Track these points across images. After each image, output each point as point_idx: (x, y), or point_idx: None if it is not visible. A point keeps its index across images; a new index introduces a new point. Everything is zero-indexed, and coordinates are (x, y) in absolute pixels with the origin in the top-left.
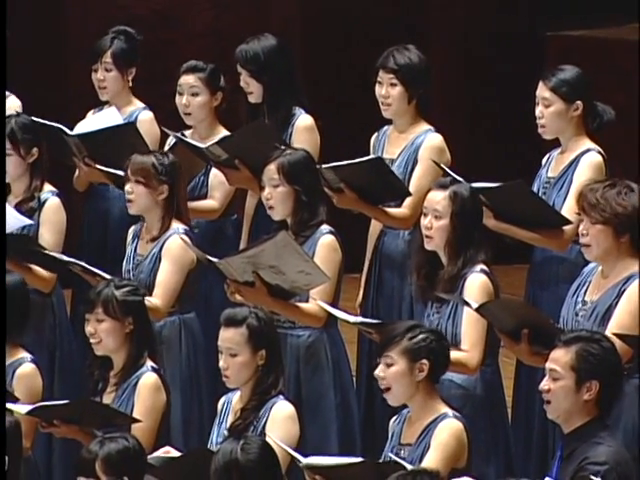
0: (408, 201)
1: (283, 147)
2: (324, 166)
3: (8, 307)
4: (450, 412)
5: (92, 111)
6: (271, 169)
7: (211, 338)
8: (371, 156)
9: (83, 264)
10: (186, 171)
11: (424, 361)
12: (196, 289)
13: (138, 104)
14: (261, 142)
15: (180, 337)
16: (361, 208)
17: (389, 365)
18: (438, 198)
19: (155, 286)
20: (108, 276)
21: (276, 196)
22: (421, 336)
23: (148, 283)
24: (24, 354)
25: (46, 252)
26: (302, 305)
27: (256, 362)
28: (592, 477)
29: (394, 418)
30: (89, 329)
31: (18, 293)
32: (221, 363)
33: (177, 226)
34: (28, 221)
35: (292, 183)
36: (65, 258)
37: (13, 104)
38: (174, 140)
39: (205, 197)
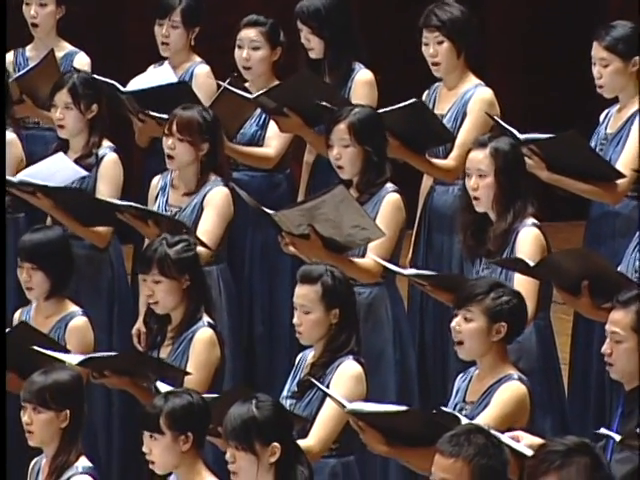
0: (454, 153)
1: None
2: None
3: (52, 261)
4: (516, 374)
5: (153, 66)
6: (341, 129)
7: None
8: (412, 100)
9: (136, 205)
10: (235, 121)
11: (503, 323)
12: (235, 243)
13: (195, 59)
14: (309, 91)
15: (219, 287)
16: (406, 156)
17: (468, 320)
18: (480, 157)
19: (198, 234)
20: (162, 212)
21: (346, 156)
22: (504, 298)
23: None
24: (74, 307)
25: (99, 199)
26: (356, 260)
27: (329, 320)
28: None
29: (460, 375)
30: (147, 291)
31: (60, 247)
32: (295, 319)
33: (217, 178)
34: (84, 172)
35: (362, 143)
36: (117, 202)
37: (82, 61)
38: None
39: None
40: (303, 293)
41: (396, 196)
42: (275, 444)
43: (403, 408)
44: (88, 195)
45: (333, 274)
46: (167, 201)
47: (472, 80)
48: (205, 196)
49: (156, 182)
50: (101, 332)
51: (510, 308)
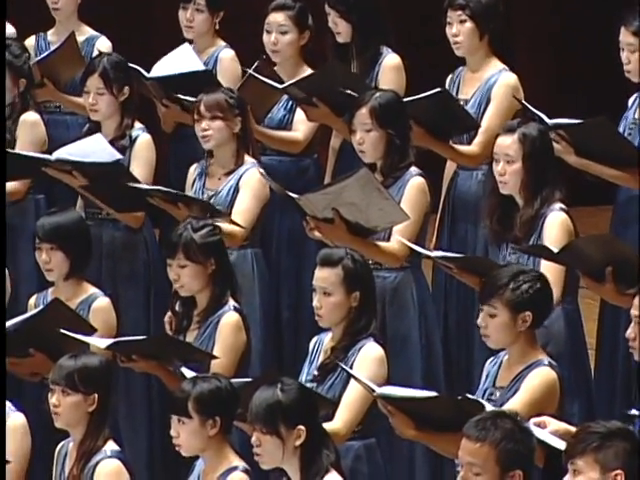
0: (478, 139)
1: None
2: None
3: (71, 241)
4: (546, 360)
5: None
6: (363, 113)
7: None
8: (436, 89)
9: (164, 189)
10: (261, 105)
11: (527, 312)
12: (265, 227)
13: (220, 43)
14: (338, 81)
15: (253, 270)
16: (430, 144)
17: (492, 315)
18: (508, 142)
19: (233, 215)
20: (191, 194)
21: (368, 140)
22: (525, 286)
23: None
24: (95, 289)
25: (129, 184)
26: (381, 243)
27: (349, 303)
28: None
29: (490, 359)
30: (172, 275)
31: (79, 228)
32: (315, 302)
33: (252, 160)
34: (119, 155)
35: (384, 127)
36: (146, 186)
37: (103, 45)
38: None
39: None
40: (324, 276)
41: (420, 180)
42: (300, 427)
43: (432, 394)
44: (124, 172)
45: (353, 257)
46: (204, 185)
47: (496, 65)
48: (241, 178)
49: (193, 169)
50: (137, 314)
51: (532, 295)
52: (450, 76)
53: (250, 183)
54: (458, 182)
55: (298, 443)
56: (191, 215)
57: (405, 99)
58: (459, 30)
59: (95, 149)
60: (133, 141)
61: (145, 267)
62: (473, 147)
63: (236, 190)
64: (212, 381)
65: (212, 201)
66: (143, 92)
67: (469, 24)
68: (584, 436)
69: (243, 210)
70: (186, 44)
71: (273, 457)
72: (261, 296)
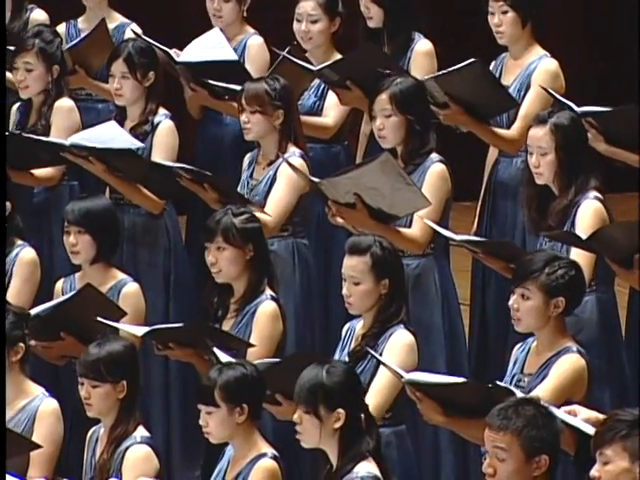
0: (517, 124)
1: (392, 74)
2: (426, 77)
3: (99, 226)
4: (575, 347)
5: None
6: (383, 99)
7: (321, 265)
8: (470, 60)
9: (191, 167)
10: (294, 90)
11: (561, 298)
12: (309, 215)
13: (249, 30)
14: (372, 64)
15: (294, 261)
16: (467, 124)
17: (525, 298)
18: (540, 134)
19: (267, 203)
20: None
21: (388, 126)
22: (560, 272)
23: (262, 205)
24: (123, 275)
25: (154, 162)
26: (403, 230)
27: (379, 291)
28: None
29: (518, 345)
30: (210, 259)
31: (108, 214)
32: (344, 290)
33: (293, 149)
34: (139, 143)
35: (404, 112)
36: (172, 164)
37: (130, 34)
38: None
39: None
40: (352, 264)
41: (441, 166)
42: (340, 410)
43: (461, 380)
44: (142, 159)
45: (382, 244)
46: (251, 175)
47: (538, 51)
48: (279, 167)
49: (248, 157)
50: (156, 300)
51: (566, 282)
52: (493, 63)
53: (286, 172)
54: (499, 169)
55: (337, 426)
56: (221, 198)
57: (438, 72)
58: (501, 20)
59: (112, 136)
60: (155, 127)
61: (165, 253)
62: (512, 131)
63: (274, 180)
64: (238, 368)
65: (251, 193)
66: (172, 73)
67: (511, 14)
68: (612, 424)
69: (276, 200)
70: (216, 29)
71: (311, 437)
72: (301, 287)
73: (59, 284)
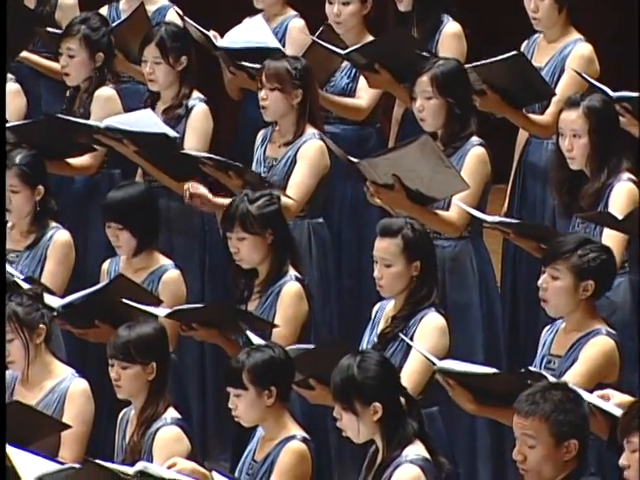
0: (551, 109)
1: (432, 57)
2: (465, 66)
3: (137, 219)
4: (604, 329)
5: (248, 18)
6: (424, 81)
7: (340, 244)
8: (513, 52)
9: (213, 156)
10: (323, 71)
11: (590, 281)
12: (327, 196)
13: (290, 12)
14: (401, 47)
15: (310, 241)
16: (504, 111)
17: (554, 278)
18: (573, 117)
19: (288, 187)
20: (240, 165)
21: (428, 108)
22: (592, 255)
23: (282, 186)
24: (166, 260)
25: (184, 152)
26: (440, 212)
27: (410, 273)
28: None
29: (547, 327)
30: (232, 249)
31: (144, 203)
32: (376, 273)
33: (312, 131)
34: (172, 132)
35: (445, 95)
36: (195, 153)
37: (174, 14)
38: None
39: None
40: (383, 246)
41: (481, 150)
42: (376, 404)
43: (493, 370)
44: (174, 144)
45: (413, 227)
46: (265, 152)
47: (573, 35)
48: (299, 149)
49: (260, 135)
50: (194, 283)
51: (597, 265)
52: (525, 42)
53: (308, 154)
54: (529, 151)
55: (375, 418)
56: (245, 185)
57: (480, 62)
58: (537, 6)
59: (147, 123)
60: (189, 110)
61: (200, 237)
62: (546, 117)
63: (294, 161)
64: (266, 351)
65: (270, 172)
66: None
67: (548, 0)
68: (637, 412)
69: (298, 182)
70: (259, 15)
71: (353, 432)
72: (318, 268)
73: (105, 265)
